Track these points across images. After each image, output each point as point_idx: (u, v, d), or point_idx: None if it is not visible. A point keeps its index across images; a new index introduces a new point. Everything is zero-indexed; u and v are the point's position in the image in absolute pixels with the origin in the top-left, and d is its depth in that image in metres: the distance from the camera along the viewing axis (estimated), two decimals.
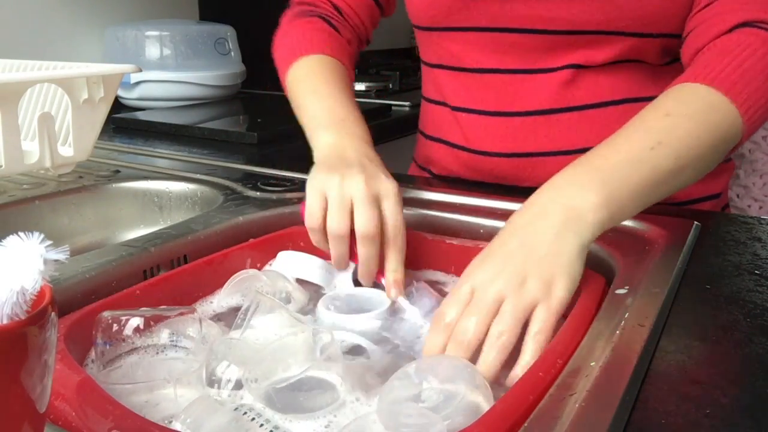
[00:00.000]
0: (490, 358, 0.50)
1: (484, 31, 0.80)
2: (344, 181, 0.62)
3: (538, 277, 0.52)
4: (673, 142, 0.60)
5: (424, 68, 0.95)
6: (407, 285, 0.61)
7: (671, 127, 0.61)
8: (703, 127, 0.62)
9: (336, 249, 0.63)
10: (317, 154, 0.71)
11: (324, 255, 0.66)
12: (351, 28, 0.93)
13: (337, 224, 0.61)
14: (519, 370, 0.50)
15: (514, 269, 0.53)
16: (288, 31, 0.89)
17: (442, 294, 0.62)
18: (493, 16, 0.78)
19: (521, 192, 0.82)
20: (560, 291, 0.52)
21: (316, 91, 0.78)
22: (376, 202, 0.62)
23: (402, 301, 0.59)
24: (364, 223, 0.60)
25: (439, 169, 0.95)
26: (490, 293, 0.52)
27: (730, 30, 0.68)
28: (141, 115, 1.37)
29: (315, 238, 0.64)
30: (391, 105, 1.56)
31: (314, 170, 0.66)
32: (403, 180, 0.88)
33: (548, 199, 0.57)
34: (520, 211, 0.58)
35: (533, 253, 0.53)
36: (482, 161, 0.87)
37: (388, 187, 0.63)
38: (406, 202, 0.77)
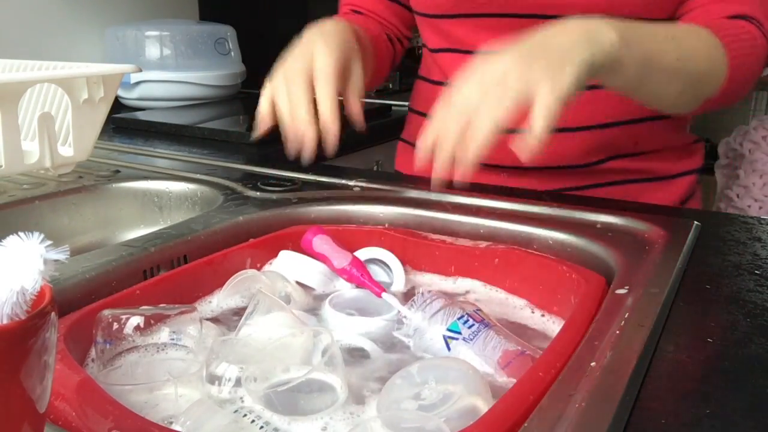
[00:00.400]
0: (485, 121, 0.54)
1: (492, 17, 0.82)
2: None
3: (546, 63, 0.55)
4: (682, 46, 0.67)
5: (425, 51, 0.97)
6: (412, 293, 0.61)
7: (685, 34, 0.69)
8: (705, 52, 0.70)
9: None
10: None
11: (324, 260, 0.66)
12: (376, 23, 0.96)
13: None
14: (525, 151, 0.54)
15: (523, 56, 0.56)
16: None
17: (445, 296, 0.62)
18: (503, 2, 0.80)
19: (521, 192, 0.82)
20: (568, 75, 0.55)
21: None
22: (309, 58, 0.69)
23: (404, 311, 0.58)
24: (289, 66, 0.69)
25: None
26: (496, 68, 0.56)
27: (728, 18, 0.75)
28: (141, 115, 1.36)
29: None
30: (391, 105, 1.56)
31: None
32: (403, 180, 0.88)
33: (571, 23, 0.60)
34: (540, 29, 0.60)
35: (545, 50, 0.57)
36: None
37: (319, 50, 0.69)
38: (407, 202, 0.77)
